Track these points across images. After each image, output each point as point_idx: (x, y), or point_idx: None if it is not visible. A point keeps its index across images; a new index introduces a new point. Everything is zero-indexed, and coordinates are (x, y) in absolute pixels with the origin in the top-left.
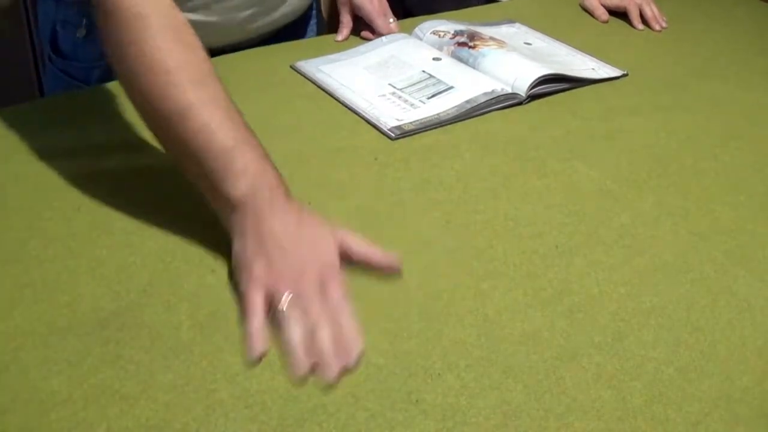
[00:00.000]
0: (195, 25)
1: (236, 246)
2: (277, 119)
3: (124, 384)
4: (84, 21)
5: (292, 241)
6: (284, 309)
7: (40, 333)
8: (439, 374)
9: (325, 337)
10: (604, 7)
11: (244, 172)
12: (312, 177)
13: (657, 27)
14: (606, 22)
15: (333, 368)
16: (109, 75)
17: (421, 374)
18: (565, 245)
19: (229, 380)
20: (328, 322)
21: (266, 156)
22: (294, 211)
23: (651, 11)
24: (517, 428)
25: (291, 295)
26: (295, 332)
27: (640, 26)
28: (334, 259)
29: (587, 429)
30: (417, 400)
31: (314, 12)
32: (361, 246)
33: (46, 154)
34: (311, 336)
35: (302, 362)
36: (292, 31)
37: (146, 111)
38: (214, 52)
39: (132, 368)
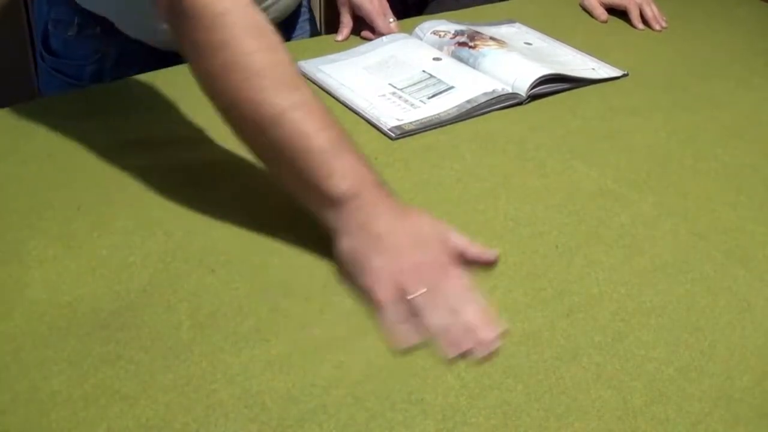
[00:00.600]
0: (166, 32)
1: (344, 243)
2: None
3: (124, 384)
4: (75, 19)
5: (405, 240)
6: (417, 298)
7: (40, 333)
8: (439, 375)
9: (470, 317)
10: (603, 6)
11: (345, 171)
12: None
13: (657, 27)
14: (605, 21)
15: (485, 345)
16: (101, 72)
17: (421, 374)
18: (565, 245)
19: (229, 380)
20: (466, 306)
21: (365, 158)
22: (401, 209)
23: (651, 11)
24: (517, 428)
25: (421, 286)
26: (438, 316)
27: (641, 26)
28: (447, 258)
29: (587, 429)
30: (417, 400)
31: (304, 9)
32: (468, 245)
33: (46, 154)
34: (454, 319)
35: (454, 343)
36: (281, 30)
37: (235, 114)
38: None
39: (132, 368)
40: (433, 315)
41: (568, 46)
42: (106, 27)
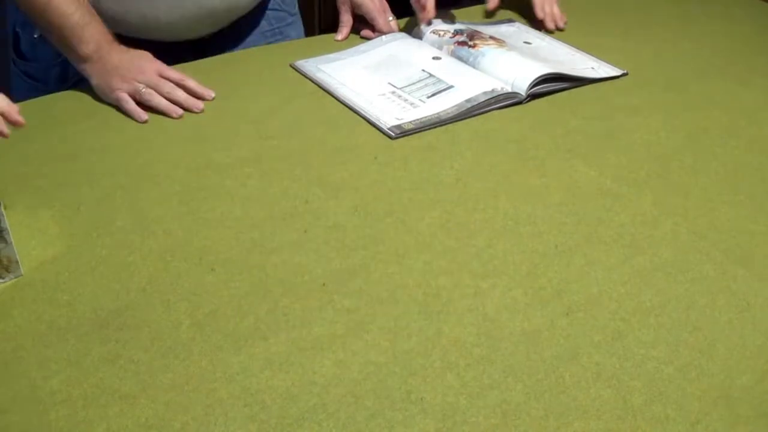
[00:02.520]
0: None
1: (94, 81)
2: (277, 118)
3: (124, 384)
4: None
5: (130, 60)
6: (143, 92)
7: (40, 333)
8: (439, 374)
9: (180, 93)
10: None
11: (92, 37)
12: (312, 176)
13: (551, 26)
14: (492, 9)
15: (196, 106)
16: (66, 74)
17: (421, 374)
18: (565, 244)
19: (228, 379)
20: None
21: (103, 24)
22: (125, 50)
23: (551, 9)
24: (517, 428)
25: (143, 86)
26: (159, 99)
27: (541, 15)
28: (161, 64)
29: (587, 428)
30: (417, 400)
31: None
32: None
33: (46, 154)
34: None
35: (172, 108)
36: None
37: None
38: (179, 44)
39: (132, 368)
40: (153, 99)
41: (568, 46)
42: None
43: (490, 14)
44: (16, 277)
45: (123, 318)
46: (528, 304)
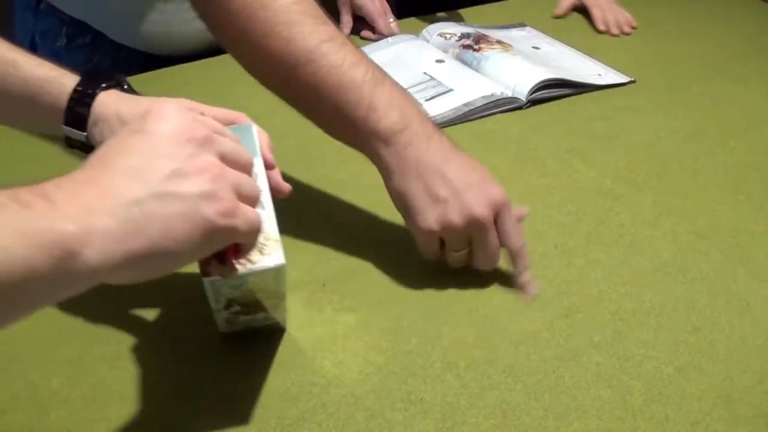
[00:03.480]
0: (157, 36)
1: (395, 182)
2: (278, 118)
3: (124, 384)
4: (63, 29)
5: (459, 180)
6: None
7: (40, 333)
8: (439, 374)
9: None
10: (570, 5)
11: (390, 104)
12: (313, 175)
13: (615, 31)
14: (561, 17)
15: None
16: None
17: (421, 374)
18: (565, 245)
19: (228, 380)
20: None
21: (406, 90)
22: (450, 146)
23: (614, 17)
24: (517, 428)
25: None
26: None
27: (602, 27)
28: (504, 195)
29: (587, 429)
30: (417, 400)
31: None
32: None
33: (46, 154)
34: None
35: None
36: None
37: (265, 64)
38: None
39: (132, 368)
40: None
41: (577, 51)
42: (95, 35)
43: (501, 17)
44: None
45: (123, 318)
46: (528, 304)
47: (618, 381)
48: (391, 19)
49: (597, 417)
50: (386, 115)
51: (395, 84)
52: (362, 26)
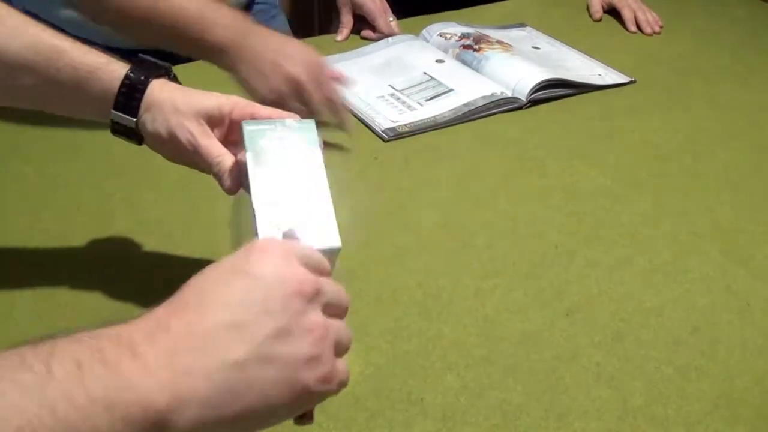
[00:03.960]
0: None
1: (243, 71)
2: None
3: None
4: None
5: (285, 48)
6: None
7: (40, 333)
8: (439, 374)
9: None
10: (603, 5)
11: (222, 19)
12: None
13: (648, 30)
14: (599, 20)
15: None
16: None
17: (421, 374)
18: (565, 245)
19: None
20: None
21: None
22: (276, 34)
23: (644, 16)
24: (517, 428)
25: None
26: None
27: (633, 28)
28: (321, 59)
29: (587, 429)
30: (417, 400)
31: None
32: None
33: (46, 154)
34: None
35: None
36: None
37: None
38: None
39: None
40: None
41: (578, 51)
42: (81, 41)
43: (502, 17)
44: None
45: (123, 318)
46: (528, 304)
47: (618, 381)
48: (391, 18)
49: (597, 417)
50: (220, 31)
51: (227, 7)
52: (362, 25)
